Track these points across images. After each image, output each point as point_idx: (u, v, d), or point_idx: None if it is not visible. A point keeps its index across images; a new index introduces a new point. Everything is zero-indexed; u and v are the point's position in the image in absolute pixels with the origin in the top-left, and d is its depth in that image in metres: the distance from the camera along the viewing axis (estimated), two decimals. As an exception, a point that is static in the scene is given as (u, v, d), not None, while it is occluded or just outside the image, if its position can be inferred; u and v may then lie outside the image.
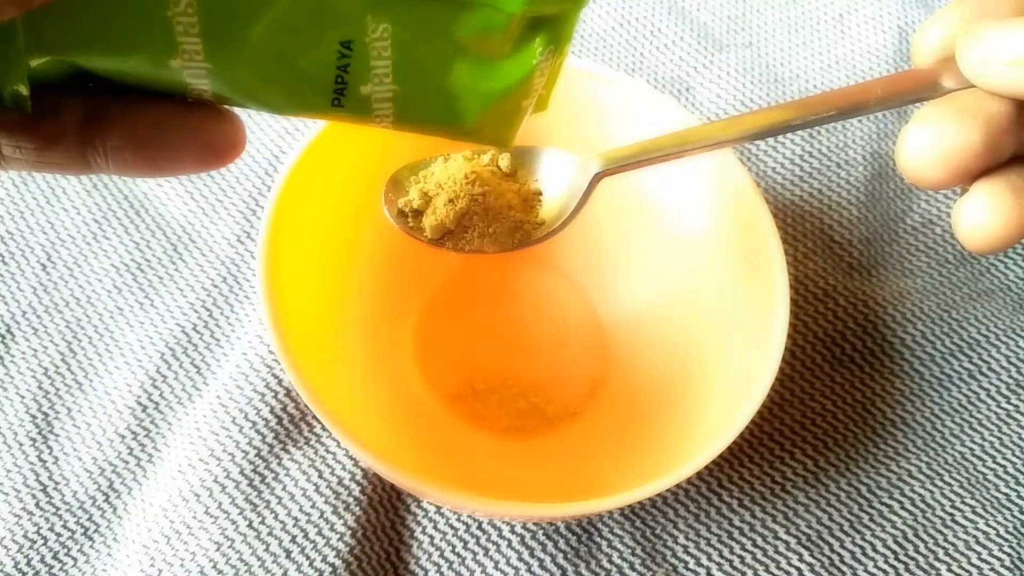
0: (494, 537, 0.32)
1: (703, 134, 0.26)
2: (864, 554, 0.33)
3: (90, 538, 0.32)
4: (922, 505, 0.34)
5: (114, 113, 0.18)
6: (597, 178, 0.26)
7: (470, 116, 0.20)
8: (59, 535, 0.32)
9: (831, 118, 0.24)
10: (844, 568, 0.33)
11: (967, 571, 0.33)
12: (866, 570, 0.33)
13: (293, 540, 0.31)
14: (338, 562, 0.31)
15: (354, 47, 0.18)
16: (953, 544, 0.33)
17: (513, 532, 0.32)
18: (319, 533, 0.31)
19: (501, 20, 0.18)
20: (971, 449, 0.35)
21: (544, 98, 0.22)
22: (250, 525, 0.31)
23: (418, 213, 0.27)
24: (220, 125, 0.19)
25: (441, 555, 0.32)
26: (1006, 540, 0.33)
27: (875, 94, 0.23)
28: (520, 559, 0.32)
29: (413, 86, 0.19)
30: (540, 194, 0.28)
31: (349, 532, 0.31)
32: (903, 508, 0.34)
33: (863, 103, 0.23)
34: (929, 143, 0.21)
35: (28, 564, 0.31)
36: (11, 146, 0.17)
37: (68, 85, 0.18)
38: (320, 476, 0.32)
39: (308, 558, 0.31)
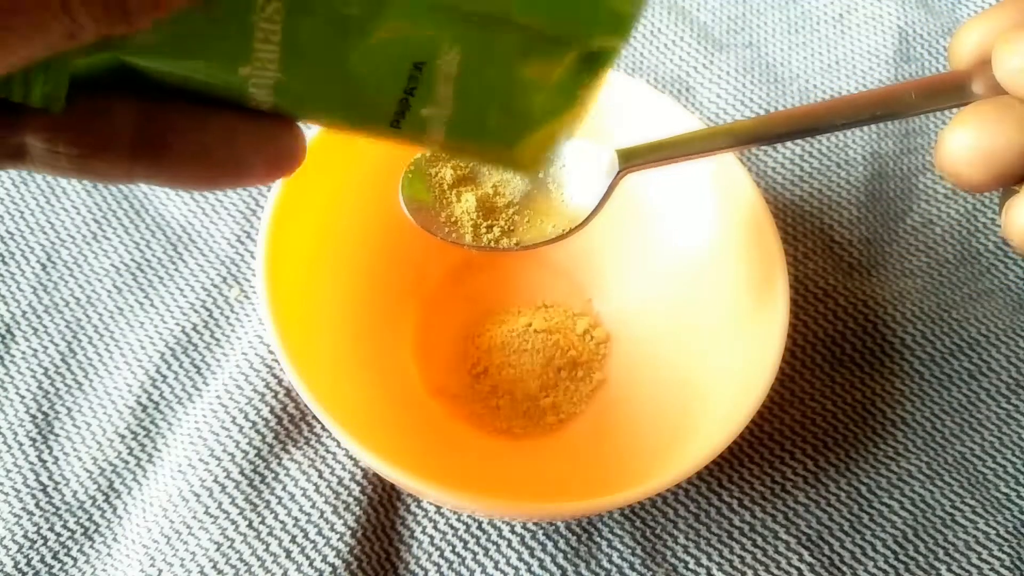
0: (494, 537, 0.32)
1: (729, 132, 0.25)
2: (864, 554, 0.33)
3: (90, 538, 0.32)
4: (922, 505, 0.34)
5: (176, 121, 0.16)
6: (620, 175, 0.26)
7: (513, 142, 0.20)
8: (59, 535, 0.32)
9: (862, 121, 0.23)
10: (844, 568, 0.33)
11: (967, 571, 0.33)
12: (866, 570, 0.33)
13: (293, 540, 0.31)
14: (338, 562, 0.31)
15: (424, 70, 0.17)
16: (953, 544, 0.33)
17: (513, 532, 0.32)
18: (319, 533, 0.31)
19: (568, 53, 0.18)
20: (971, 449, 0.35)
21: (575, 126, 0.22)
22: (250, 525, 0.31)
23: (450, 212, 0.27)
24: (287, 134, 0.17)
25: (441, 555, 0.32)
26: (1006, 540, 0.33)
27: (909, 96, 0.23)
28: (520, 559, 0.32)
29: (468, 110, 0.19)
30: (548, 203, 0.28)
31: (349, 532, 0.31)
32: (903, 508, 0.34)
33: (897, 106, 0.23)
34: (971, 142, 0.21)
35: (28, 564, 0.31)
36: (48, 151, 0.15)
37: (118, 85, 0.16)
38: (320, 476, 0.32)
39: (308, 558, 0.31)
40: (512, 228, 0.27)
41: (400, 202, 0.27)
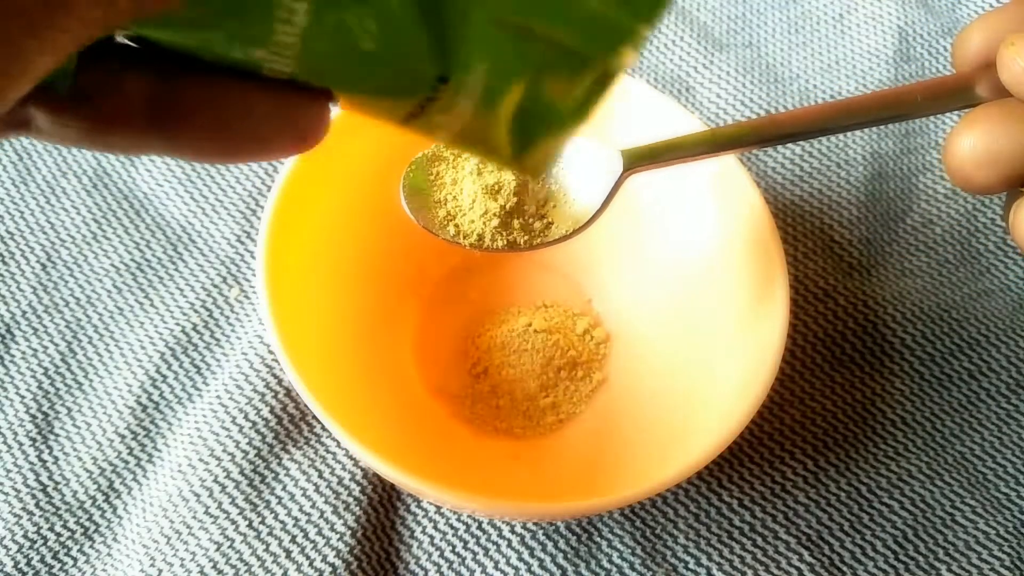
0: (494, 537, 0.32)
1: (735, 134, 0.25)
2: (864, 554, 0.33)
3: (90, 538, 0.32)
4: (922, 505, 0.34)
5: (192, 94, 0.15)
6: (624, 176, 0.26)
7: (520, 152, 0.20)
8: (59, 535, 0.32)
9: (867, 123, 0.24)
10: (844, 568, 0.33)
11: (967, 571, 0.33)
12: (866, 570, 0.33)
13: (293, 540, 0.31)
14: (338, 562, 0.31)
15: (450, 84, 0.17)
16: (953, 544, 0.33)
17: (513, 532, 0.32)
18: (319, 533, 0.31)
19: (590, 71, 0.18)
20: (971, 449, 0.35)
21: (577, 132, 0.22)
22: (250, 525, 0.31)
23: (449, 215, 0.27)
24: (311, 107, 0.16)
25: (441, 555, 0.32)
26: (1006, 540, 0.33)
27: (914, 99, 0.23)
28: (520, 559, 0.32)
29: (483, 123, 0.19)
30: (550, 203, 0.28)
31: (349, 532, 0.31)
32: (903, 508, 0.34)
33: (902, 108, 0.23)
34: (978, 145, 0.21)
35: (28, 564, 0.31)
36: (57, 125, 0.14)
37: (128, 52, 0.14)
38: (320, 476, 0.32)
39: (308, 558, 0.31)
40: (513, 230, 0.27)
41: (401, 201, 0.27)
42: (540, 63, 0.18)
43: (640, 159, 0.26)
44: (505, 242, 0.27)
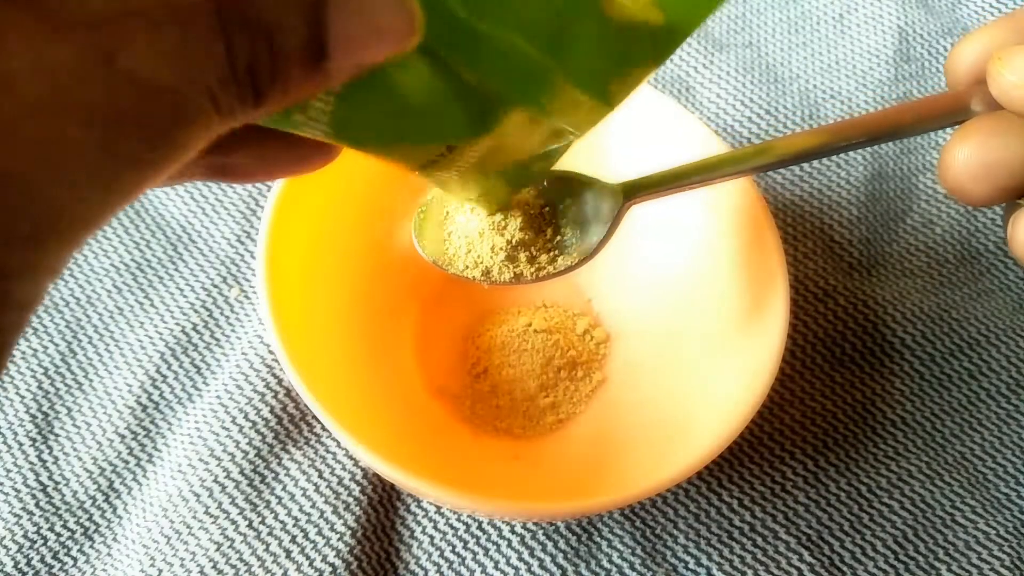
0: (494, 537, 0.32)
1: (732, 161, 0.26)
2: (864, 554, 0.33)
3: (90, 538, 0.32)
4: (922, 505, 0.34)
5: (240, 135, 0.16)
6: (625, 208, 0.27)
7: (517, 175, 0.23)
8: (59, 535, 0.32)
9: (863, 143, 0.24)
10: (844, 568, 0.33)
11: (967, 571, 0.33)
12: (866, 570, 0.33)
13: (293, 540, 0.31)
14: (338, 562, 0.31)
15: (455, 151, 0.19)
16: (953, 544, 0.33)
17: (513, 532, 0.32)
18: (319, 533, 0.31)
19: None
20: (971, 449, 0.35)
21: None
22: (250, 525, 0.31)
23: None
24: None
25: (441, 555, 0.32)
26: (1006, 540, 0.33)
27: (907, 119, 0.23)
28: (520, 559, 0.32)
29: (481, 170, 0.21)
30: (556, 237, 0.28)
31: (349, 532, 0.31)
32: (903, 508, 0.34)
33: (896, 128, 0.23)
34: (973, 157, 0.21)
35: (28, 564, 0.31)
36: None
37: None
38: (320, 476, 0.32)
39: (308, 558, 0.31)
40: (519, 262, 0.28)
41: (414, 242, 0.28)
42: (538, 132, 0.20)
43: (639, 190, 0.27)
44: (512, 275, 0.28)
